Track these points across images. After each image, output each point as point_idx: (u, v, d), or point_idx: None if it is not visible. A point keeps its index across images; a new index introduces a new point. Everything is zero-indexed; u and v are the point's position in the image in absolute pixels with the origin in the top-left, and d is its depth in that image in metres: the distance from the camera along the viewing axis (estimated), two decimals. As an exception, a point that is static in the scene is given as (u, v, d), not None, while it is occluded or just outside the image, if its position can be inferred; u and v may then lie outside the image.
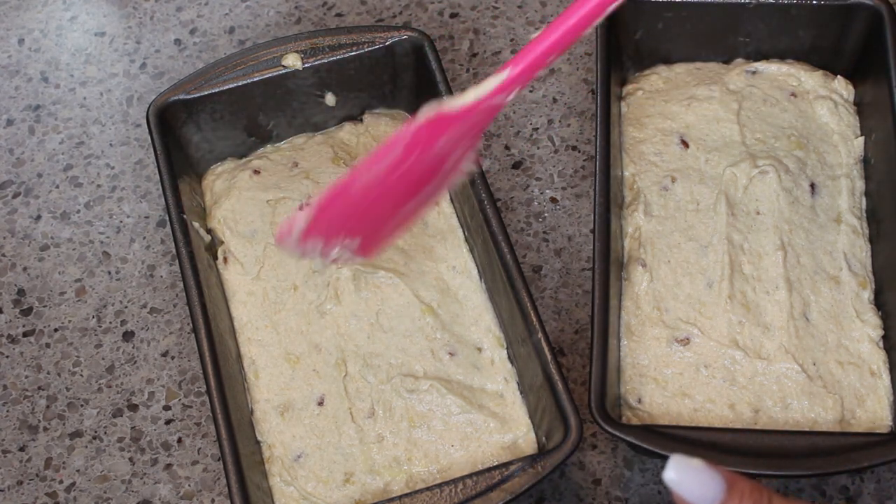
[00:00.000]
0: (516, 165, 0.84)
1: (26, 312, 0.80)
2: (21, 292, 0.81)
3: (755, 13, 0.80)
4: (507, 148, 0.85)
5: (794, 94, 0.80)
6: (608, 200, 0.72)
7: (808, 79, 0.81)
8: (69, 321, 0.80)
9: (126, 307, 0.80)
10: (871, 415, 0.69)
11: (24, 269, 0.82)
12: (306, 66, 0.78)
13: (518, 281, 0.69)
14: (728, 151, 0.77)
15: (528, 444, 0.69)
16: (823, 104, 0.79)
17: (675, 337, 0.71)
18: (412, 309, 0.73)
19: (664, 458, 0.64)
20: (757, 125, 0.79)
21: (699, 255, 0.74)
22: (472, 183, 0.73)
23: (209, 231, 0.77)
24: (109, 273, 0.82)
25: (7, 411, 0.77)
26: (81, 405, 0.76)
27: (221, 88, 0.78)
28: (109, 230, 0.83)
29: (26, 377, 0.78)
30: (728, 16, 0.80)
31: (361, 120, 0.82)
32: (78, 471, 0.74)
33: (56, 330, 0.79)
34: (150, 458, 0.74)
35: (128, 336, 0.79)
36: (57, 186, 0.86)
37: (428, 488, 0.64)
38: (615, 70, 0.80)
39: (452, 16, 0.91)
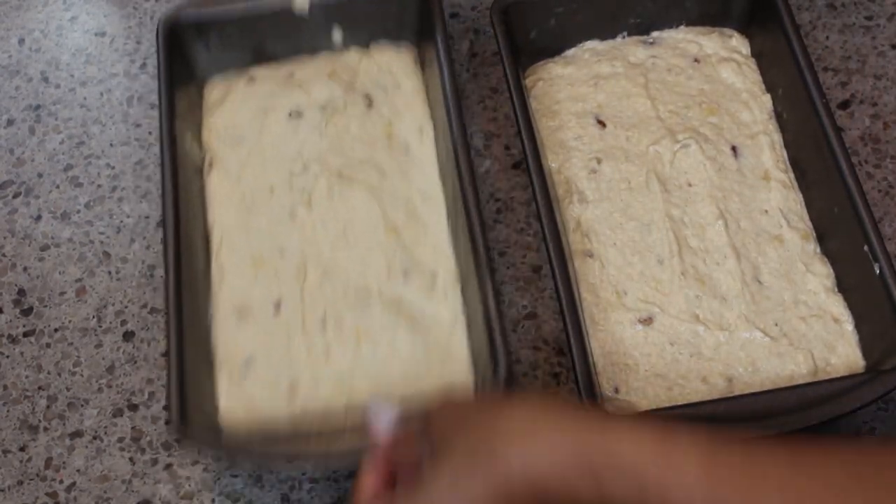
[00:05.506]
0: (516, 165, 0.84)
1: (27, 312, 0.80)
2: (21, 292, 0.81)
3: None
4: (507, 148, 0.85)
5: (696, 60, 0.81)
6: (549, 198, 0.72)
7: (706, 42, 0.82)
8: (69, 321, 0.80)
9: (126, 307, 0.80)
10: (844, 359, 0.70)
11: (25, 269, 0.82)
12: (314, 1, 0.81)
13: (475, 216, 0.70)
14: (645, 127, 0.78)
15: (466, 381, 0.70)
16: (727, 66, 0.80)
17: (638, 318, 0.72)
18: (377, 225, 0.75)
19: None
20: (667, 97, 0.80)
21: (643, 234, 0.75)
22: (451, 126, 0.74)
23: (202, 147, 0.80)
24: (110, 273, 0.82)
25: (7, 411, 0.77)
26: (82, 405, 0.76)
27: (232, 10, 0.81)
28: (110, 230, 0.83)
29: (26, 377, 0.78)
30: (617, 0, 0.81)
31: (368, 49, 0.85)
32: (78, 471, 0.74)
33: (56, 330, 0.79)
34: (150, 457, 0.74)
35: (128, 336, 0.79)
36: (57, 186, 0.86)
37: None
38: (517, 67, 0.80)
39: (452, 16, 0.91)
